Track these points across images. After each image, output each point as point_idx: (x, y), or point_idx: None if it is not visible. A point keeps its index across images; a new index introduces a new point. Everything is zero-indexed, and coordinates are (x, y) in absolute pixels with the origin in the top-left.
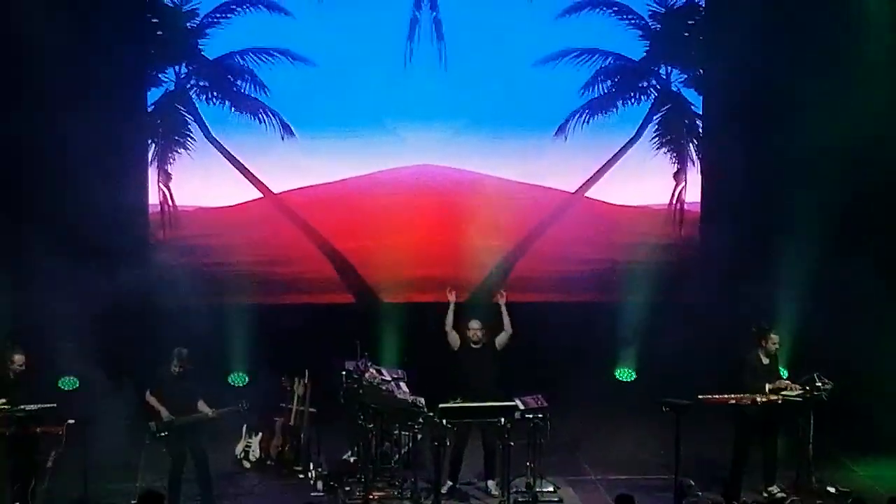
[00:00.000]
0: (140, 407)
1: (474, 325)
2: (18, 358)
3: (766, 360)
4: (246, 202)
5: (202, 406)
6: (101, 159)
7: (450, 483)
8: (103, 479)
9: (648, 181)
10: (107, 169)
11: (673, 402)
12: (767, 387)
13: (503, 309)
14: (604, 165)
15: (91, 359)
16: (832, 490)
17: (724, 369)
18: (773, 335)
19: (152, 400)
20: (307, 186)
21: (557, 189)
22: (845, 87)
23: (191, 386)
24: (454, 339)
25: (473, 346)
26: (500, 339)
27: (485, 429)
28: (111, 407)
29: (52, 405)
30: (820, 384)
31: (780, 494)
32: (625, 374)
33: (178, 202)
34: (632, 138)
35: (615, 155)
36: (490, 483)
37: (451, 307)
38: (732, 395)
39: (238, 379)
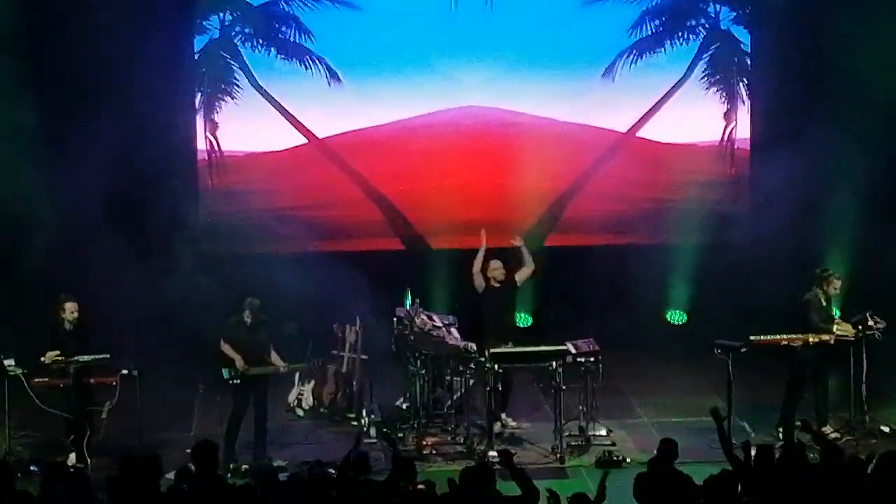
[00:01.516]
0: (210, 353)
1: (495, 264)
2: (70, 306)
3: (824, 303)
4: (293, 147)
5: (275, 359)
6: (148, 108)
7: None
8: (158, 429)
9: (698, 120)
10: (155, 118)
11: (724, 344)
12: (834, 326)
13: (523, 249)
14: (654, 105)
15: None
16: (886, 429)
17: (777, 309)
18: (836, 280)
19: (226, 348)
20: (353, 130)
21: (607, 129)
22: None
23: (263, 337)
24: (480, 282)
25: (496, 284)
26: (522, 274)
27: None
28: (165, 357)
29: (105, 356)
30: (872, 323)
31: (833, 434)
32: (676, 316)
33: (224, 148)
34: (681, 78)
35: (665, 95)
36: (503, 416)
37: (482, 250)
38: (784, 336)
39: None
